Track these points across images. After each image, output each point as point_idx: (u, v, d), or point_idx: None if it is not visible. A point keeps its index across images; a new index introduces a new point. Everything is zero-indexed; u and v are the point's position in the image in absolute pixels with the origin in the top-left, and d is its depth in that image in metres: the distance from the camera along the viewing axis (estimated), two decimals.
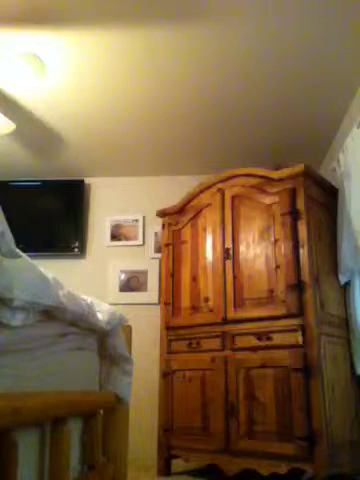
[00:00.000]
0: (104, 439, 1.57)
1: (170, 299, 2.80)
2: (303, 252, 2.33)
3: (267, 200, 2.53)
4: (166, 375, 2.67)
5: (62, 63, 2.38)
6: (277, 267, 2.39)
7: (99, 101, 2.71)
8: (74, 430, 1.31)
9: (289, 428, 2.12)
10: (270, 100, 2.67)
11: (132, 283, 3.43)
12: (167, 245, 2.95)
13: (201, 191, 2.87)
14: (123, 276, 3.45)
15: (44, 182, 3.62)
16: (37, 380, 1.16)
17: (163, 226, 3.04)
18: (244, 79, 2.49)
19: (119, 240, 3.57)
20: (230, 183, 2.72)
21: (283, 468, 2.10)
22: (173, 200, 3.10)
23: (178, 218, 2.95)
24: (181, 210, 2.96)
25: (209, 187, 2.83)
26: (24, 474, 1.05)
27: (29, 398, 1.01)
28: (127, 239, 3.56)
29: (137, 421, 2.47)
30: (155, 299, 3.31)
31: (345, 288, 2.59)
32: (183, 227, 2.91)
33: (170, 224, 2.98)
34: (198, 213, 2.85)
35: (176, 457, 2.55)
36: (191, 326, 2.65)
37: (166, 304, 2.82)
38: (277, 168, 2.67)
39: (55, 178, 3.62)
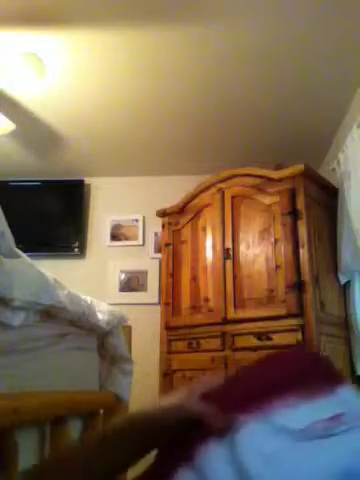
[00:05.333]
0: None
1: (170, 299, 2.80)
2: (303, 252, 2.33)
3: (267, 200, 2.53)
4: (166, 375, 2.67)
5: (62, 63, 2.37)
6: (277, 267, 2.39)
7: (99, 101, 2.71)
8: (74, 430, 1.31)
9: None
10: (270, 100, 2.66)
11: (132, 283, 3.43)
12: (167, 245, 2.95)
13: (201, 191, 2.87)
14: (123, 276, 3.45)
15: (44, 182, 3.62)
16: (37, 380, 1.16)
17: (163, 226, 3.03)
18: (244, 79, 2.49)
19: (119, 240, 3.56)
20: (230, 183, 2.72)
21: None
22: (173, 200, 3.10)
23: (178, 218, 2.95)
24: (181, 210, 2.96)
25: (209, 187, 2.83)
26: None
27: (29, 398, 1.01)
28: (127, 239, 3.56)
29: None
30: (155, 299, 3.31)
31: (345, 288, 2.59)
32: (183, 227, 2.91)
33: (170, 224, 2.98)
34: (198, 213, 2.85)
35: None
36: (191, 326, 2.65)
37: (166, 304, 2.82)
38: (277, 168, 2.67)
39: (55, 178, 3.62)
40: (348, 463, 0.53)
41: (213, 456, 0.60)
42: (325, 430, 0.57)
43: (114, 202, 3.64)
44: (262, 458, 0.56)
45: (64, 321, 1.28)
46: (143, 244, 3.53)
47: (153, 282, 3.38)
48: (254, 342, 2.36)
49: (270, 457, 0.56)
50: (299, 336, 2.21)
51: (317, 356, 0.80)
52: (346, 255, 2.48)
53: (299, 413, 0.62)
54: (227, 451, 0.59)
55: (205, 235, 2.76)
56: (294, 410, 0.62)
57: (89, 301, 1.45)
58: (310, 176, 2.52)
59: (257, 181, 2.61)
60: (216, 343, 2.50)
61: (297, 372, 0.71)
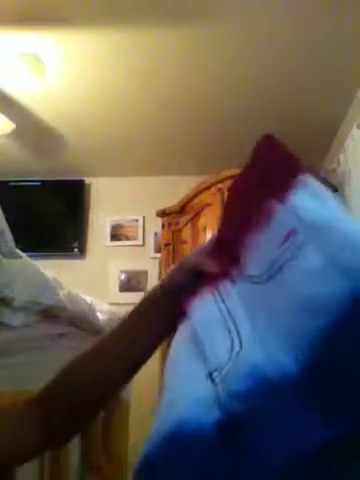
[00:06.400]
0: (104, 439, 1.57)
1: None
2: None
3: None
4: None
5: (62, 63, 2.37)
6: None
7: (99, 101, 2.70)
8: None
9: None
10: (270, 100, 2.66)
11: (132, 283, 3.43)
12: (167, 245, 2.95)
13: (201, 191, 2.87)
14: (123, 276, 3.45)
15: (44, 182, 3.62)
16: (37, 380, 1.16)
17: (163, 226, 3.03)
18: (244, 79, 2.49)
19: (119, 240, 3.56)
20: (230, 183, 2.72)
21: None
22: (173, 200, 3.10)
23: (178, 218, 2.95)
24: (181, 210, 2.95)
25: (209, 187, 2.83)
26: (24, 474, 1.05)
27: (29, 397, 1.01)
28: (127, 239, 3.56)
29: (138, 421, 2.46)
30: None
31: None
32: (183, 227, 2.90)
33: (170, 224, 2.98)
34: (198, 213, 2.85)
35: None
36: None
37: None
38: None
39: (55, 178, 3.61)
40: (303, 291, 0.47)
41: (205, 304, 0.58)
42: (282, 260, 0.51)
43: (114, 202, 3.64)
44: (242, 317, 0.53)
45: (64, 321, 1.28)
46: (143, 244, 3.52)
47: (153, 282, 3.38)
48: None
49: (249, 314, 0.53)
50: None
51: (268, 155, 0.63)
52: None
53: (260, 252, 0.56)
54: (218, 303, 0.57)
55: (205, 235, 2.76)
56: (255, 252, 0.57)
57: (89, 301, 1.45)
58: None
59: None
60: None
61: (254, 194, 0.61)
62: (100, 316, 1.50)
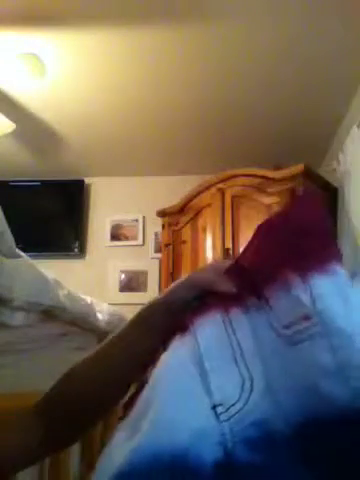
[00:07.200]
0: (104, 439, 1.57)
1: None
2: None
3: (267, 200, 2.54)
4: None
5: (62, 63, 2.37)
6: None
7: (99, 101, 2.71)
8: None
9: None
10: (270, 100, 2.66)
11: (132, 283, 3.43)
12: (167, 245, 2.95)
13: (201, 191, 2.88)
14: (123, 276, 3.45)
15: (44, 182, 3.62)
16: (37, 380, 1.16)
17: (163, 226, 3.04)
18: (244, 79, 2.49)
19: (119, 240, 3.56)
20: (230, 183, 2.72)
21: None
22: (173, 200, 3.10)
23: (178, 218, 2.95)
24: (181, 210, 2.96)
25: (209, 187, 2.83)
26: (24, 474, 1.05)
27: (29, 398, 1.01)
28: (127, 239, 3.56)
29: None
30: None
31: None
32: (183, 227, 2.91)
33: (170, 224, 2.99)
34: (198, 213, 2.85)
35: None
36: None
37: None
38: (277, 168, 2.67)
39: (55, 178, 3.62)
40: (313, 377, 0.46)
41: (213, 327, 0.54)
42: (297, 338, 0.49)
43: (114, 202, 3.64)
44: (252, 352, 0.51)
45: (64, 321, 1.28)
46: (143, 244, 3.52)
47: (153, 282, 3.38)
48: None
49: (260, 353, 0.51)
50: None
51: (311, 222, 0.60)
52: (346, 255, 2.49)
53: (282, 304, 0.53)
54: (227, 327, 0.54)
55: (205, 235, 2.76)
56: (279, 301, 0.54)
57: (89, 301, 1.45)
58: (310, 176, 2.52)
59: (257, 181, 2.61)
60: None
61: (289, 242, 0.58)
62: (100, 316, 1.50)
